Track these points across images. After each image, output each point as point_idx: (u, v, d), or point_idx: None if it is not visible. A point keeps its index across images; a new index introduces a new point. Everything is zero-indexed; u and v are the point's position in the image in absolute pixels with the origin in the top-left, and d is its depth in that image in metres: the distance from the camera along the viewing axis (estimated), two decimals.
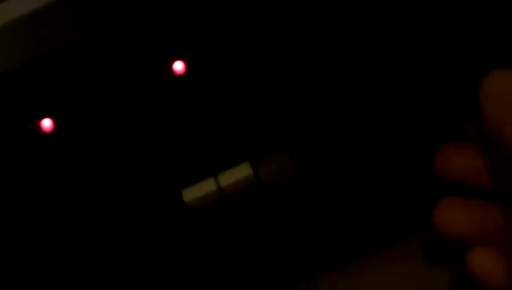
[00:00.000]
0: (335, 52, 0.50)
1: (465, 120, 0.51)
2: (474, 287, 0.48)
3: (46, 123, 0.49)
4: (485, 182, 0.48)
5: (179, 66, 0.50)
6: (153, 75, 0.49)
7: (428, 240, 0.54)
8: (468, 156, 0.49)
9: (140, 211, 0.53)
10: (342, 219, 0.54)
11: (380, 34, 0.50)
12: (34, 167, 0.50)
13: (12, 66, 0.47)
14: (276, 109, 0.52)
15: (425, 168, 0.53)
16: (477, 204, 0.48)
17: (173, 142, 0.51)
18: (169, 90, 0.50)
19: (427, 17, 0.50)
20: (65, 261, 0.53)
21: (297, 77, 0.51)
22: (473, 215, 0.48)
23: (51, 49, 0.48)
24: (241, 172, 0.52)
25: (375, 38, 0.50)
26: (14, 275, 0.53)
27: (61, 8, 0.47)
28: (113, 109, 0.50)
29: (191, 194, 0.52)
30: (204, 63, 0.49)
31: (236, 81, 0.50)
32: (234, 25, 0.49)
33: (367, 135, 0.53)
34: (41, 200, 0.51)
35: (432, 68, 0.51)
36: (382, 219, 0.55)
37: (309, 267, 0.55)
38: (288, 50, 0.50)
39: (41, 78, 0.48)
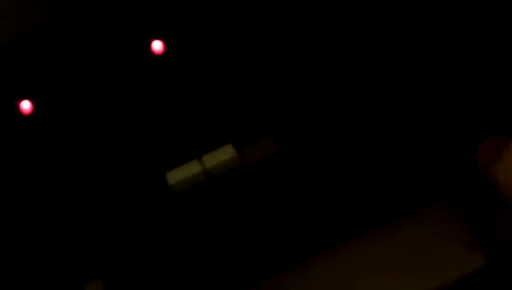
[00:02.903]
0: (318, 34, 0.50)
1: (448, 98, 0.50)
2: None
3: (25, 105, 0.49)
4: None
5: (157, 45, 0.49)
6: (132, 55, 0.49)
7: None
8: None
9: (125, 195, 0.52)
10: (327, 200, 0.54)
11: (360, 16, 0.49)
12: (14, 149, 0.50)
13: None
14: (260, 89, 0.51)
15: (410, 149, 0.52)
16: None
17: (156, 125, 0.51)
18: (150, 71, 0.49)
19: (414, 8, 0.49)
20: (48, 240, 0.52)
21: (281, 57, 0.50)
22: None
23: (29, 30, 0.48)
24: (225, 154, 0.52)
25: (357, 20, 0.49)
26: None
27: None
28: (93, 90, 0.49)
29: (176, 176, 0.52)
30: (185, 43, 0.49)
31: (219, 62, 0.50)
32: (217, 4, 0.48)
33: (352, 116, 0.52)
34: (21, 182, 0.51)
35: (414, 49, 0.51)
36: (368, 200, 0.54)
37: (297, 250, 0.54)
38: (272, 31, 0.49)
39: (19, 60, 0.48)
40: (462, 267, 0.51)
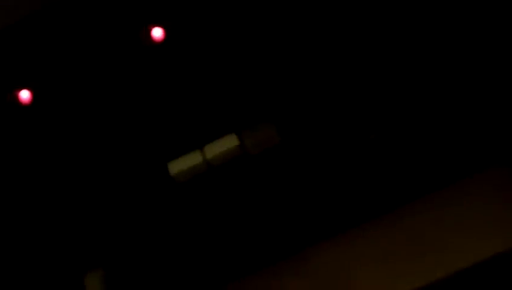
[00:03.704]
0: (318, 23, 0.49)
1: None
2: None
3: (25, 94, 0.49)
4: None
5: (157, 32, 0.49)
6: (132, 42, 0.48)
7: None
8: None
9: (126, 186, 0.52)
10: (328, 189, 0.53)
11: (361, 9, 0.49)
12: (13, 139, 0.49)
13: None
14: (261, 79, 0.50)
15: (411, 139, 0.52)
16: None
17: (157, 114, 0.50)
18: (150, 58, 0.49)
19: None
20: (49, 232, 0.52)
21: (283, 47, 0.50)
22: None
23: (27, 16, 0.47)
24: (227, 143, 0.51)
25: (358, 12, 0.49)
26: None
27: None
28: (93, 79, 0.49)
29: (178, 167, 0.51)
30: (186, 30, 0.48)
31: (220, 50, 0.49)
32: None
33: (353, 105, 0.52)
34: (21, 173, 0.50)
35: (412, 39, 0.50)
36: (368, 190, 0.53)
37: (297, 239, 0.54)
38: (274, 19, 0.49)
39: (18, 48, 0.48)
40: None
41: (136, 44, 0.49)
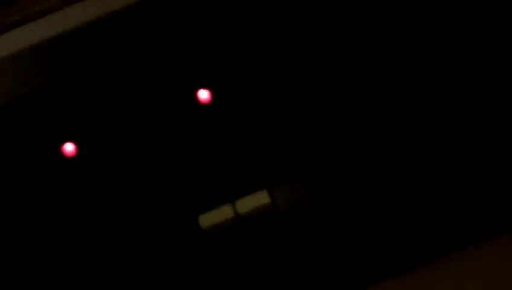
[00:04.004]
0: (353, 85, 0.52)
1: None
2: None
3: (69, 147, 0.52)
4: None
5: (204, 94, 0.52)
6: (178, 103, 0.52)
7: None
8: None
9: (157, 235, 0.54)
10: (357, 246, 0.54)
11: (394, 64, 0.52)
12: (58, 190, 0.52)
13: (34, 89, 0.51)
14: (294, 137, 0.53)
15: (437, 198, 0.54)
16: None
17: (193, 168, 0.53)
18: (192, 117, 0.52)
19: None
20: (84, 280, 0.54)
21: (315, 107, 0.53)
22: None
23: (77, 74, 0.51)
24: (259, 200, 0.54)
25: (384, 71, 0.52)
26: None
27: (86, 33, 0.51)
28: (135, 134, 0.52)
29: (208, 220, 0.53)
30: (227, 92, 0.52)
31: (255, 110, 0.53)
32: (254, 57, 0.52)
33: (384, 163, 0.54)
34: (65, 222, 0.53)
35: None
36: (398, 246, 0.54)
37: None
38: (309, 81, 0.52)
39: (65, 103, 0.52)
40: None
41: (181, 104, 0.52)
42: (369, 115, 0.53)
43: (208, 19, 0.51)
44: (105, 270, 0.54)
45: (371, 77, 0.53)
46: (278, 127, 0.53)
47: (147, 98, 0.52)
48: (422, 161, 0.54)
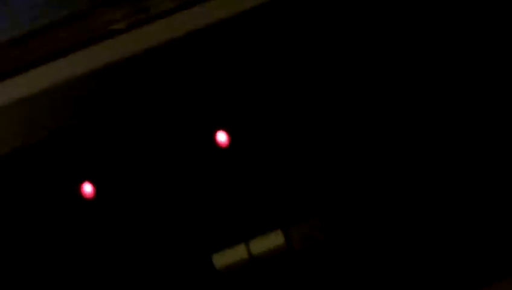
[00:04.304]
0: (364, 128, 0.54)
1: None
2: None
3: (88, 189, 0.53)
4: None
5: (222, 137, 0.54)
6: (196, 143, 0.54)
7: None
8: None
9: (172, 274, 0.54)
10: (371, 287, 0.55)
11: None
12: (77, 232, 0.53)
13: (52, 132, 0.52)
14: (309, 177, 0.54)
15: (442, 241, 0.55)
16: None
17: (207, 207, 0.54)
18: (209, 159, 0.54)
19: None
20: None
21: (329, 148, 0.54)
22: None
23: (96, 116, 0.53)
24: (273, 240, 0.54)
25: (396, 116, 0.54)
26: None
27: (106, 77, 0.53)
28: (151, 176, 0.54)
29: (222, 260, 0.54)
30: (244, 134, 0.54)
31: (270, 151, 0.54)
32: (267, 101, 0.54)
33: (398, 206, 0.55)
34: (81, 263, 0.54)
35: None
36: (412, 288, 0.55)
37: None
38: (323, 123, 0.54)
39: (83, 145, 0.53)
40: None
41: (199, 145, 0.54)
42: (382, 156, 0.55)
43: (226, 61, 0.53)
44: None
45: (388, 125, 0.54)
46: (292, 168, 0.55)
47: (164, 139, 0.54)
48: (436, 206, 0.55)
